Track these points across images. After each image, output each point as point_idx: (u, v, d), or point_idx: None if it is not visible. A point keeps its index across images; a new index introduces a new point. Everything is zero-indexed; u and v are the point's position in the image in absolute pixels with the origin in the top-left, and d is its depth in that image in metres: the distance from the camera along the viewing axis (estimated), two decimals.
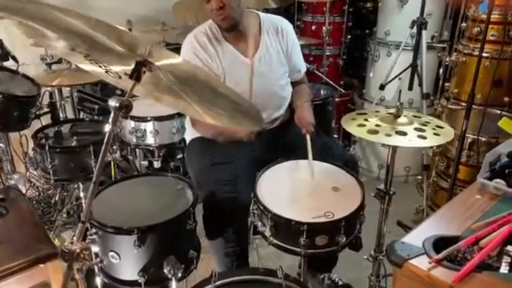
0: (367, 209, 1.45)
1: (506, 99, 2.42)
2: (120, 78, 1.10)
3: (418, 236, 1.08)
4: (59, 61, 2.47)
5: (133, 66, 0.96)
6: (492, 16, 2.02)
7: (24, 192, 2.38)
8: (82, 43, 0.98)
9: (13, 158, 2.46)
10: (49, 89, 2.36)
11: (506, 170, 1.33)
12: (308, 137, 1.68)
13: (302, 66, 2.01)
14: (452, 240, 1.04)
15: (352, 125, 1.39)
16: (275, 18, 1.92)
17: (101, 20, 0.85)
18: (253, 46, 1.81)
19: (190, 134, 1.95)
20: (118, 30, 0.88)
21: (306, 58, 2.07)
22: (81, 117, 2.73)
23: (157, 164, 2.37)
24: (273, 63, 1.84)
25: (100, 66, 1.07)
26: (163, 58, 0.97)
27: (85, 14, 0.84)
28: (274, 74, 1.85)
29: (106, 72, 1.08)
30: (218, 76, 1.76)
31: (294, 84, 1.97)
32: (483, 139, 2.15)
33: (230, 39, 1.79)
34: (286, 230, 1.35)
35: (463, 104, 2.48)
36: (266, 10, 1.93)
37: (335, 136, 2.80)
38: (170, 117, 2.23)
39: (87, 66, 1.11)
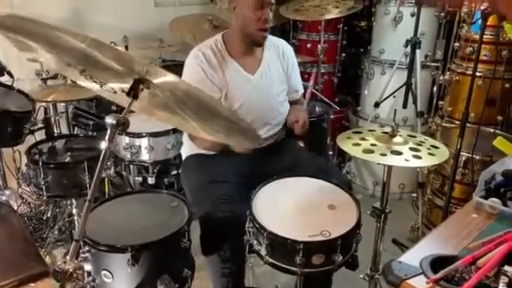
0: (363, 227, 1.45)
1: (499, 118, 2.45)
2: (115, 93, 1.09)
3: (415, 255, 1.08)
4: (55, 76, 2.47)
5: (130, 84, 0.96)
6: (484, 36, 2.06)
7: (15, 208, 2.35)
8: (77, 61, 0.98)
9: (5, 173, 2.43)
10: (44, 104, 2.35)
11: (502, 189, 1.33)
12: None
13: (300, 88, 2.06)
14: (449, 260, 1.04)
15: (347, 144, 1.39)
16: (277, 39, 1.98)
17: (97, 39, 0.85)
18: (256, 62, 1.85)
19: (187, 150, 1.95)
20: (114, 49, 0.89)
21: (301, 75, 2.11)
22: (75, 132, 2.71)
23: (151, 180, 2.36)
24: (273, 79, 1.88)
25: (95, 82, 1.07)
26: (160, 76, 0.98)
27: (81, 33, 0.84)
28: (273, 90, 1.88)
29: (101, 87, 1.08)
30: (220, 89, 1.77)
31: (291, 104, 2.00)
32: (477, 157, 2.16)
33: (234, 54, 1.82)
34: (281, 249, 1.33)
35: (457, 122, 2.51)
36: None
37: (330, 153, 2.80)
38: (165, 133, 2.23)
39: (83, 82, 1.11)
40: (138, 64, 0.93)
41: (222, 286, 1.65)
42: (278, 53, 1.92)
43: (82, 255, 1.34)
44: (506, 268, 0.98)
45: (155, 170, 2.34)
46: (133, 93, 0.95)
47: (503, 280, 0.97)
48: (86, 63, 0.96)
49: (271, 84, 1.87)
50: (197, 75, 1.75)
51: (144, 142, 2.22)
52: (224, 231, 1.55)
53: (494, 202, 1.28)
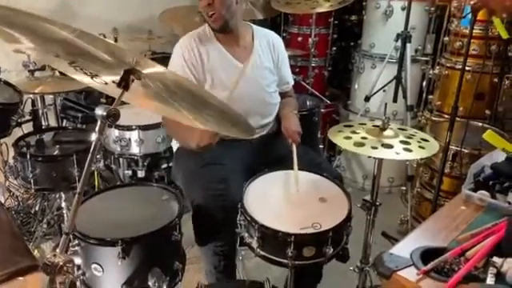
0: (353, 219, 1.46)
1: (488, 112, 2.48)
2: (106, 84, 1.08)
3: (405, 247, 1.09)
4: (42, 68, 2.43)
5: (120, 75, 0.95)
6: (474, 31, 2.08)
7: (2, 202, 2.32)
8: (66, 52, 0.96)
9: None
10: (31, 96, 2.31)
11: (490, 182, 1.35)
12: (294, 147, 1.68)
13: (291, 80, 2.07)
14: (439, 251, 1.05)
15: (339, 137, 1.40)
16: (267, 31, 1.98)
17: (85, 31, 0.83)
18: (246, 52, 1.85)
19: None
20: (103, 40, 0.87)
21: (292, 69, 2.11)
22: (64, 125, 2.67)
23: (141, 174, 2.34)
24: (264, 70, 1.88)
25: (86, 73, 1.05)
26: (150, 67, 0.96)
27: (69, 25, 0.82)
28: (264, 81, 1.88)
29: (92, 78, 1.06)
30: (201, 78, 1.77)
31: (282, 96, 2.00)
32: (466, 151, 2.19)
33: (223, 42, 1.82)
34: (273, 242, 1.33)
35: (446, 116, 2.53)
36: (253, 22, 1.95)
37: (320, 147, 2.81)
38: (156, 126, 2.21)
39: (73, 74, 1.09)
40: (129, 55, 0.91)
41: (214, 264, 1.64)
42: (268, 44, 1.92)
43: (71, 249, 1.33)
44: (495, 259, 1.00)
45: (145, 164, 2.32)
46: (123, 83, 0.94)
47: (491, 271, 0.99)
48: (76, 54, 0.94)
49: (261, 74, 1.87)
50: (177, 63, 1.76)
51: (134, 135, 2.20)
52: (218, 212, 1.54)
53: (483, 194, 1.29)
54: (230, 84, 1.78)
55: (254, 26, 1.94)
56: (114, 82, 0.98)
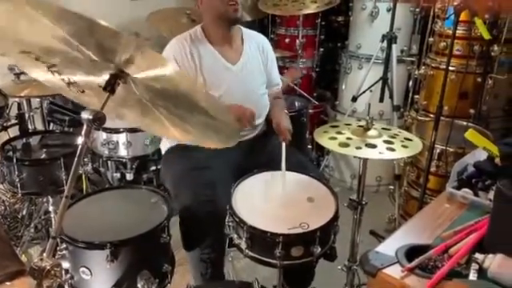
0: (341, 219, 1.47)
1: (472, 111, 2.52)
2: (83, 92, 1.07)
3: (391, 245, 1.11)
4: None
5: (107, 78, 0.95)
6: (457, 31, 2.11)
7: None
8: (45, 53, 0.95)
9: None
10: (17, 99, 2.29)
11: (473, 180, 1.38)
12: (284, 145, 1.69)
13: (280, 81, 2.10)
14: (423, 249, 1.07)
15: (324, 138, 1.41)
16: (256, 33, 2.01)
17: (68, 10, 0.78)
18: (236, 54, 1.87)
19: (166, 144, 1.94)
20: (92, 21, 0.83)
21: (280, 70, 2.13)
22: (51, 128, 2.65)
23: (129, 176, 2.34)
24: (254, 72, 1.90)
25: (63, 79, 1.03)
26: (143, 68, 0.96)
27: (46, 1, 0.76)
28: (254, 82, 1.90)
29: (68, 85, 1.05)
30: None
31: (271, 98, 2.01)
32: (451, 150, 2.22)
33: (214, 43, 1.83)
34: (261, 242, 1.34)
35: (432, 115, 2.56)
36: (241, 23, 1.96)
37: (309, 147, 2.83)
38: None
39: (46, 77, 1.07)
40: (119, 53, 0.89)
41: (201, 271, 1.64)
42: (258, 46, 1.94)
43: (59, 253, 1.32)
44: (477, 255, 1.02)
45: (133, 166, 2.32)
46: (109, 87, 0.94)
47: (474, 267, 1.01)
48: (49, 50, 0.92)
49: (252, 76, 1.89)
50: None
51: (122, 138, 2.20)
52: (206, 218, 1.55)
53: (466, 192, 1.32)
54: (222, 86, 1.79)
55: (243, 29, 1.96)
56: (99, 86, 0.98)
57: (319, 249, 1.34)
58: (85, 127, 0.95)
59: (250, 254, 1.38)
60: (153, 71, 0.96)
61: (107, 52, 0.91)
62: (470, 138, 1.31)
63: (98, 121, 0.93)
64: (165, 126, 1.19)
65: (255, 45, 1.93)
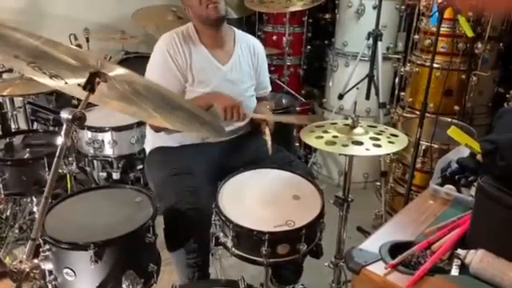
0: (328, 216, 1.48)
1: (456, 108, 2.55)
2: (66, 83, 1.05)
3: (375, 242, 1.11)
4: (11, 70, 2.37)
5: (86, 78, 0.93)
6: (442, 29, 2.13)
7: None
8: (29, 57, 0.94)
9: None
10: None
11: (456, 176, 1.39)
12: (267, 129, 1.70)
13: (269, 86, 2.09)
14: (407, 245, 1.08)
15: (311, 137, 1.41)
16: (249, 36, 2.00)
17: (50, 39, 0.82)
18: (227, 54, 1.86)
19: (150, 144, 1.92)
20: (68, 47, 0.86)
21: (268, 67, 2.11)
22: (35, 128, 2.61)
23: (116, 175, 2.31)
24: (243, 74, 1.89)
25: (45, 73, 1.02)
26: (115, 70, 0.95)
27: (34, 33, 0.80)
28: (243, 85, 1.89)
29: (51, 78, 1.04)
30: (185, 74, 1.76)
31: (259, 100, 2.01)
32: (436, 146, 2.24)
33: (205, 43, 1.82)
34: (247, 240, 1.34)
35: (417, 112, 2.59)
36: (228, 20, 1.95)
37: (297, 144, 2.84)
38: (129, 127, 2.19)
39: (31, 74, 1.06)
40: (92, 59, 0.90)
41: (188, 276, 1.64)
42: (249, 48, 1.93)
43: (42, 254, 1.30)
44: (459, 251, 1.03)
45: (120, 165, 2.29)
46: (89, 86, 0.93)
47: (456, 263, 1.02)
48: (37, 57, 0.92)
49: (241, 77, 1.88)
50: (160, 56, 1.75)
51: (107, 137, 2.17)
52: (189, 224, 1.55)
53: (449, 188, 1.33)
54: (212, 86, 1.78)
55: (237, 30, 1.95)
56: (79, 85, 0.96)
57: (305, 246, 1.35)
58: (64, 127, 0.93)
59: (237, 252, 1.38)
60: (123, 71, 0.95)
61: (81, 59, 0.91)
62: (452, 135, 1.32)
63: (78, 120, 0.92)
64: (151, 114, 1.19)
65: (247, 47, 1.92)
